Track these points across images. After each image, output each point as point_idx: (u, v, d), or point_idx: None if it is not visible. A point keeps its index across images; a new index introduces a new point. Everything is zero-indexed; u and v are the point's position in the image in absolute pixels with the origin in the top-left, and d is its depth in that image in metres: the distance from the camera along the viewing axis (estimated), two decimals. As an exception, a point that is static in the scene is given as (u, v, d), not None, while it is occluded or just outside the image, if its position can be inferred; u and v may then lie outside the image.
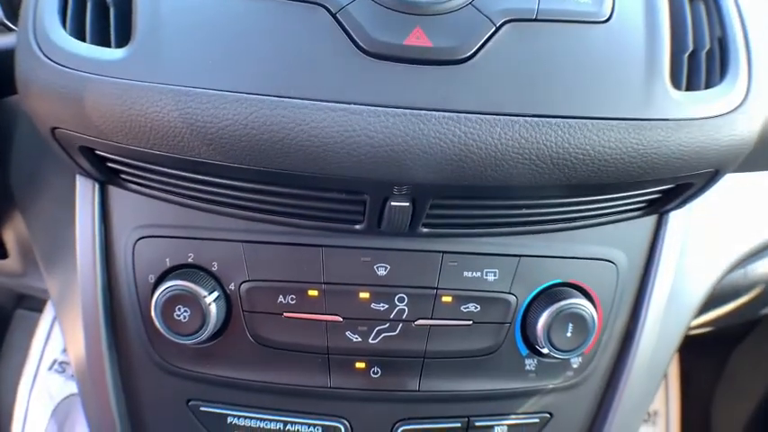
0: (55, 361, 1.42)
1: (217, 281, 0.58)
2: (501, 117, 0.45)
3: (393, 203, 0.50)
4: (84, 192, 0.60)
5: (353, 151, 0.45)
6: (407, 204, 0.50)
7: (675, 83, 0.53)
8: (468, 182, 0.47)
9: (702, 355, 1.44)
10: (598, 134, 0.47)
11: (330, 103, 0.44)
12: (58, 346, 1.42)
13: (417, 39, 0.46)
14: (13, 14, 0.79)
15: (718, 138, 0.52)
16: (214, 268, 0.58)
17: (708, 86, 0.54)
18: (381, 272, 0.58)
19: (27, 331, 1.45)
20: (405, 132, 0.44)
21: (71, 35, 0.51)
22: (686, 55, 0.55)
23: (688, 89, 0.53)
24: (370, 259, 0.58)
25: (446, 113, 0.45)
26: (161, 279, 0.59)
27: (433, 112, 0.45)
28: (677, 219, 0.64)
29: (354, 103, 0.45)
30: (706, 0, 0.58)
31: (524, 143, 0.45)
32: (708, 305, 0.77)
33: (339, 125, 0.44)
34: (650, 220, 0.64)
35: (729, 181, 0.61)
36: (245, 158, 0.46)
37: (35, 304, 1.45)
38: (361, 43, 0.46)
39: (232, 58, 0.46)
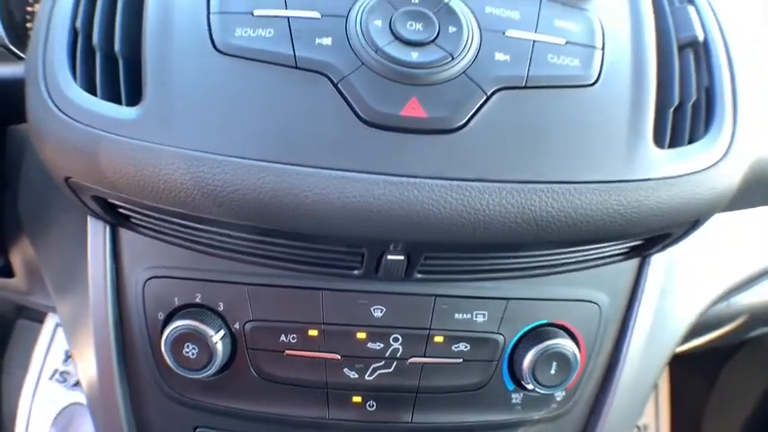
0: (56, 371, 1.44)
1: (223, 320, 0.61)
2: (489, 184, 0.48)
3: (389, 257, 0.53)
4: (96, 233, 0.63)
5: (354, 215, 0.48)
6: (402, 258, 0.54)
7: (659, 139, 0.55)
8: (458, 241, 0.50)
9: (693, 371, 1.46)
10: (580, 198, 0.50)
11: (333, 171, 0.48)
12: (59, 357, 1.45)
13: (413, 109, 0.48)
14: (17, 37, 0.81)
15: (699, 192, 0.54)
16: (220, 308, 0.61)
17: (691, 139, 0.56)
18: (377, 314, 0.61)
19: (29, 341, 1.48)
20: (400, 199, 0.47)
21: (81, 87, 0.52)
22: (672, 109, 0.57)
23: (671, 143, 0.56)
24: (367, 302, 0.61)
25: (439, 181, 0.48)
26: (170, 317, 0.62)
27: (427, 180, 0.48)
28: (659, 258, 0.67)
29: (355, 171, 0.48)
30: (696, 47, 0.60)
31: (510, 208, 0.49)
32: (690, 334, 0.80)
33: (340, 192, 0.47)
34: (632, 261, 0.67)
35: (712, 219, 0.62)
36: (252, 218, 0.49)
37: (36, 315, 1.47)
38: (361, 113, 0.49)
39: (240, 125, 0.49)
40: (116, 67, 0.53)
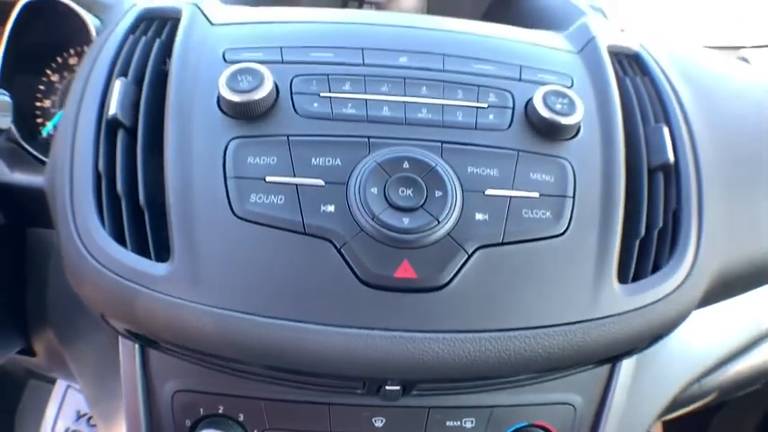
0: (68, 429, 1.51)
1: (243, 428, 0.69)
2: (470, 334, 0.56)
3: (387, 387, 0.61)
4: (127, 351, 0.71)
5: (357, 361, 0.55)
6: (398, 388, 0.61)
7: (623, 272, 0.60)
8: (445, 377, 0.58)
9: (685, 424, 1.52)
10: (548, 340, 0.57)
11: (337, 328, 0.55)
12: (71, 415, 1.51)
13: (405, 271, 0.55)
14: (28, 133, 0.82)
15: (660, 318, 0.60)
16: (240, 419, 0.69)
17: (655, 265, 0.61)
18: (378, 423, 0.69)
19: (40, 400, 1.54)
20: (396, 350, 0.55)
21: (110, 234, 0.57)
22: (638, 240, 0.62)
23: (636, 273, 0.60)
24: (369, 414, 0.69)
25: (427, 334, 0.55)
26: (196, 423, 0.70)
27: (417, 334, 0.55)
28: (629, 359, 0.75)
29: (357, 327, 0.55)
30: (666, 169, 0.63)
31: (489, 353, 0.56)
32: (663, 413, 0.87)
33: (343, 345, 0.55)
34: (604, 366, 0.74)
35: None
36: (269, 362, 0.57)
37: (47, 376, 1.53)
38: (361, 276, 0.55)
39: (260, 286, 0.56)
40: (142, 216, 0.59)
